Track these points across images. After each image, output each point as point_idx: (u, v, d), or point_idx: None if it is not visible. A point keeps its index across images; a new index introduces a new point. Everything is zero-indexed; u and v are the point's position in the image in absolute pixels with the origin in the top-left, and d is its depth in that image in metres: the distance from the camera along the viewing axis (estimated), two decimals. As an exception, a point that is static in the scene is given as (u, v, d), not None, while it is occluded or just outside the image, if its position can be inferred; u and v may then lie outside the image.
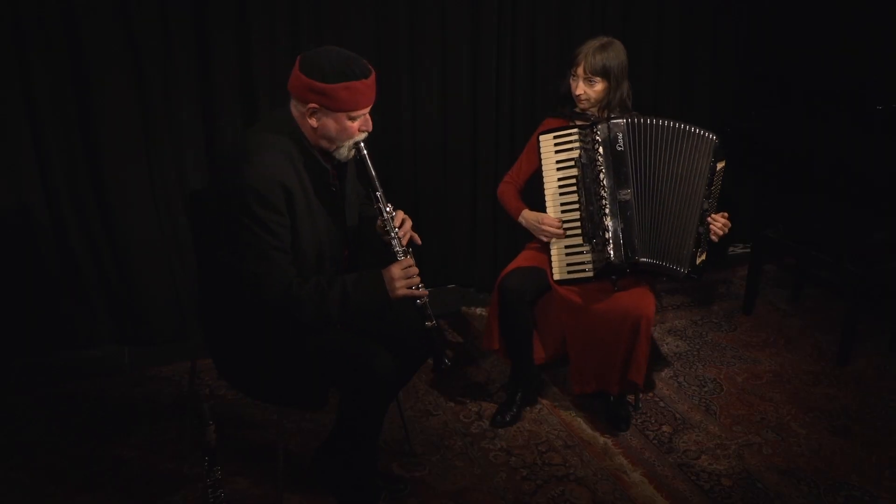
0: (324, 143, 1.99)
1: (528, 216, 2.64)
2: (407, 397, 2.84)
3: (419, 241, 2.14)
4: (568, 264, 2.57)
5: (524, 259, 2.69)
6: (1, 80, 2.79)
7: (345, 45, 3.20)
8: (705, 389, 2.95)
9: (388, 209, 2.05)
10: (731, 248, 4.35)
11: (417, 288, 2.01)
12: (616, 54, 2.55)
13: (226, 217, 1.91)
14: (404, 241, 2.06)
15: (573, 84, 2.59)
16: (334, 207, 2.06)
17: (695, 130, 2.48)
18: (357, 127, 1.96)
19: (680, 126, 2.47)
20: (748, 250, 4.14)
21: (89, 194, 3.02)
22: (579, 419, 2.74)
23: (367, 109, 1.97)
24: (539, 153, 2.59)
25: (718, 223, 2.50)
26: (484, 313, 3.51)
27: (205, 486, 1.76)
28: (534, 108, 3.58)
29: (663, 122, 2.47)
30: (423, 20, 3.33)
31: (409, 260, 2.01)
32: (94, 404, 2.80)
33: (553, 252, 2.58)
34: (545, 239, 2.59)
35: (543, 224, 2.57)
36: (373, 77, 1.94)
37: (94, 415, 2.73)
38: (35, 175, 2.92)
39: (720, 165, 2.50)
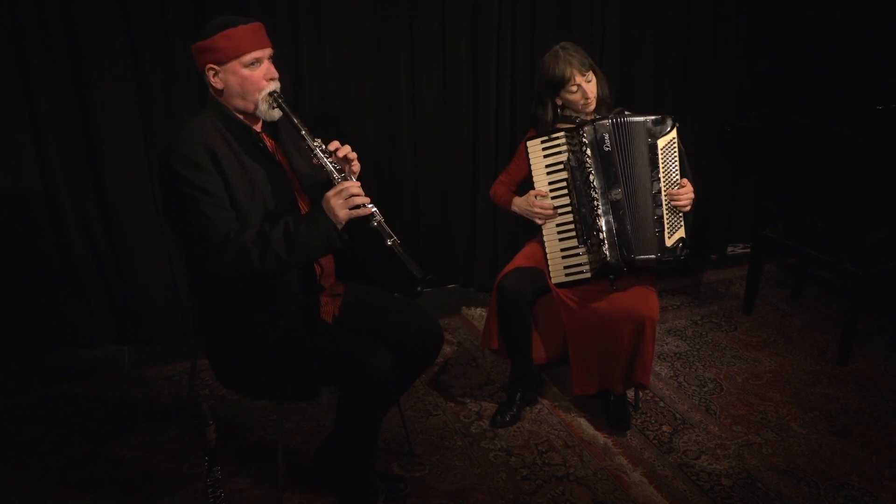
0: (238, 103, 2.01)
1: (518, 202, 2.66)
2: (407, 397, 2.83)
3: (356, 163, 2.06)
4: (565, 267, 2.57)
5: (524, 258, 2.69)
6: (1, 79, 2.79)
7: (345, 45, 3.26)
8: (705, 389, 2.95)
9: (316, 143, 2.01)
10: (730, 248, 4.36)
11: (364, 207, 1.93)
12: (576, 49, 2.60)
13: (164, 190, 1.97)
14: (339, 154, 2.01)
15: (576, 96, 2.58)
16: (270, 164, 2.06)
17: (634, 119, 2.50)
18: (260, 76, 1.99)
19: (633, 119, 2.50)
20: (748, 250, 4.13)
21: (89, 194, 3.02)
22: (579, 419, 2.74)
23: (259, 53, 1.98)
24: (527, 159, 2.60)
25: (679, 195, 2.50)
26: (484, 313, 3.50)
27: (205, 486, 1.76)
28: (534, 108, 3.58)
29: (632, 118, 2.50)
30: (423, 21, 3.33)
31: (346, 182, 1.95)
32: (94, 404, 2.80)
33: (549, 256, 2.58)
34: (539, 221, 2.59)
35: (534, 206, 2.57)
36: (255, 25, 1.98)
37: (94, 415, 2.73)
38: (35, 175, 2.93)
39: (664, 141, 2.50)
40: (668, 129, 2.51)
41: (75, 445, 2.56)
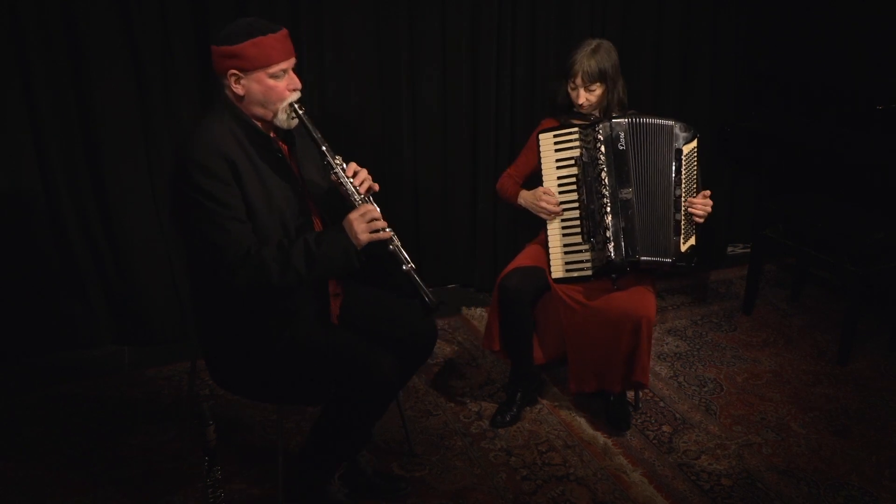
0: (258, 111, 1.98)
1: (525, 195, 2.65)
2: (407, 397, 2.83)
3: (377, 188, 2.09)
4: (567, 263, 2.57)
5: (524, 258, 2.69)
6: (1, 79, 2.79)
7: (345, 46, 3.26)
8: (705, 389, 2.95)
9: (336, 161, 2.02)
10: (730, 248, 4.35)
11: (383, 231, 1.96)
12: (608, 55, 2.57)
13: (179, 198, 1.92)
14: (362, 190, 2.02)
15: (574, 94, 2.60)
16: (287, 174, 2.04)
17: (658, 121, 2.50)
18: (284, 86, 1.96)
19: (652, 120, 2.50)
20: (748, 250, 4.13)
21: (89, 194, 3.02)
22: (579, 419, 2.74)
23: (285, 65, 1.96)
24: (538, 152, 2.60)
25: (697, 205, 2.50)
26: (484, 313, 3.50)
27: (205, 486, 1.76)
28: (533, 108, 3.58)
29: (652, 120, 2.49)
30: (423, 21, 3.33)
31: (368, 205, 1.97)
32: (94, 404, 2.80)
33: (552, 251, 2.59)
34: (544, 216, 2.59)
35: (541, 201, 2.57)
36: (283, 32, 1.95)
37: (94, 415, 2.73)
38: (35, 175, 2.93)
39: (688, 148, 2.51)
40: (692, 137, 2.51)
41: (75, 445, 2.56)
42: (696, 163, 2.55)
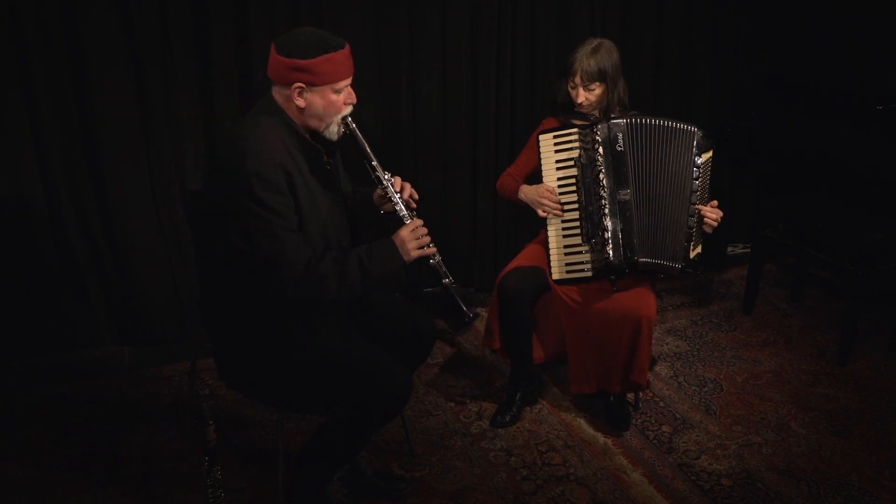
0: (313, 123, 1.98)
1: (526, 190, 2.64)
2: (407, 397, 2.84)
3: (416, 196, 2.17)
4: (567, 264, 2.57)
5: (524, 258, 2.69)
6: (1, 80, 2.79)
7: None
8: (705, 389, 2.95)
9: (386, 176, 2.07)
10: (730, 248, 4.35)
11: (428, 248, 2.03)
12: (608, 55, 2.56)
13: (232, 207, 1.88)
14: (412, 204, 2.10)
15: (573, 93, 2.60)
16: (331, 187, 2.06)
17: (679, 126, 2.48)
18: (342, 100, 1.98)
19: (668, 123, 2.48)
20: (748, 250, 4.13)
21: (89, 194, 3.02)
22: (579, 419, 2.74)
23: (349, 81, 1.98)
24: (538, 152, 2.59)
25: (710, 214, 2.50)
26: (484, 313, 3.50)
27: (205, 486, 1.76)
28: (533, 108, 3.58)
29: (659, 122, 2.48)
30: (423, 20, 3.33)
31: (417, 221, 2.04)
32: (94, 404, 2.80)
33: (552, 252, 2.58)
34: (543, 213, 2.58)
35: (543, 197, 2.56)
36: (348, 48, 1.96)
37: (94, 415, 2.73)
38: (35, 175, 2.93)
39: (705, 157, 2.50)
40: (709, 146, 2.51)
41: (75, 445, 2.56)
42: (709, 172, 2.55)
